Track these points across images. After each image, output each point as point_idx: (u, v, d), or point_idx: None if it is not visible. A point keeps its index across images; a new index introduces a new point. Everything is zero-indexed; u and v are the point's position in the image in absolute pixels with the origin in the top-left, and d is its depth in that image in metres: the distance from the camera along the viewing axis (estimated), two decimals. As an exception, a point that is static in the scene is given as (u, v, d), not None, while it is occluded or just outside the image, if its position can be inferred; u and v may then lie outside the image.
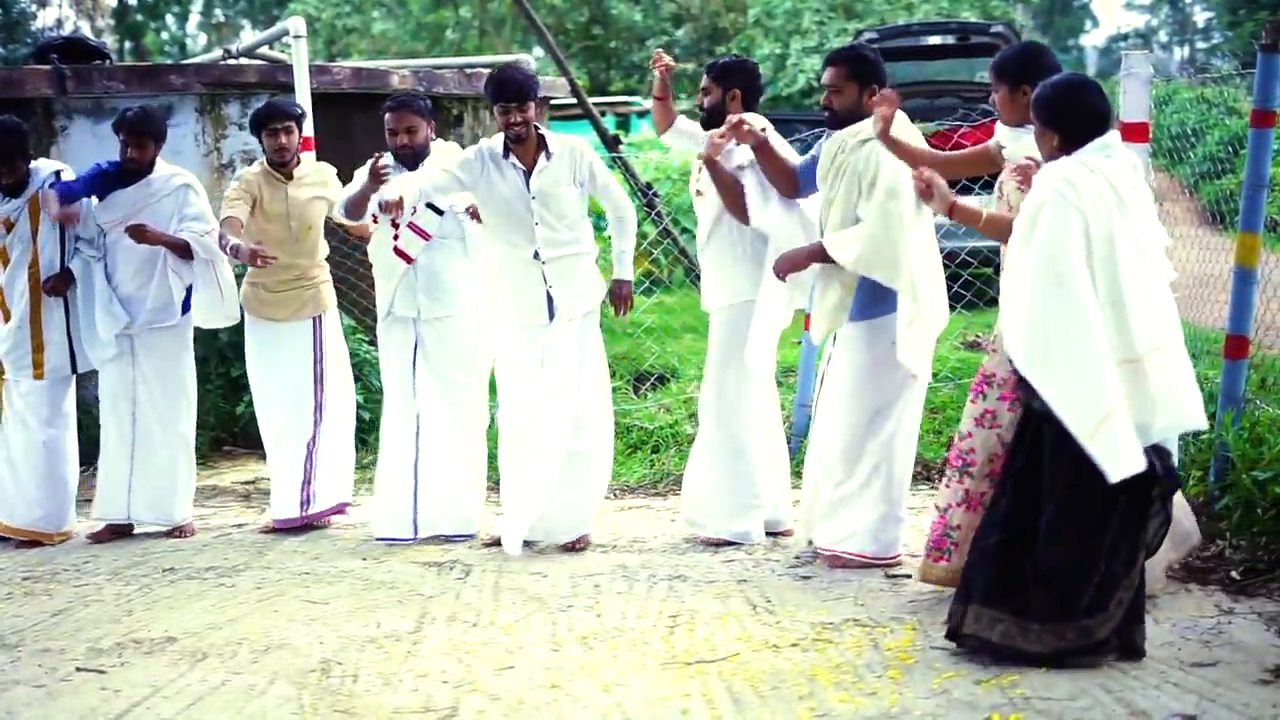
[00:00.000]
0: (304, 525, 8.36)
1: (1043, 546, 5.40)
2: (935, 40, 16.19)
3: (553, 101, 14.89)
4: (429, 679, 5.63)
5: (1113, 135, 5.47)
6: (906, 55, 16.44)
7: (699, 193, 7.52)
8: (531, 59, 13.58)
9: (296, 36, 9.68)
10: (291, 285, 8.32)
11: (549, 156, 7.50)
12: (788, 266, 6.95)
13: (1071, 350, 5.15)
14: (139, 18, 53.80)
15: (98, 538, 8.36)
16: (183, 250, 8.25)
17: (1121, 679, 5.25)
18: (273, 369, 8.37)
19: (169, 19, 56.21)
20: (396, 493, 7.99)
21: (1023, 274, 5.27)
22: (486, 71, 13.03)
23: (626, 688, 5.43)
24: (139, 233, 8.10)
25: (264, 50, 12.76)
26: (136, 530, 8.46)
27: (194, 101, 11.04)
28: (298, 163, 8.36)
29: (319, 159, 9.55)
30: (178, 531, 8.41)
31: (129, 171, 8.23)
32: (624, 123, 24.66)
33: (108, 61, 11.87)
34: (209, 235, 8.27)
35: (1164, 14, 66.05)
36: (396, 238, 7.87)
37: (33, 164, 8.39)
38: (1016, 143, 6.14)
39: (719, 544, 7.51)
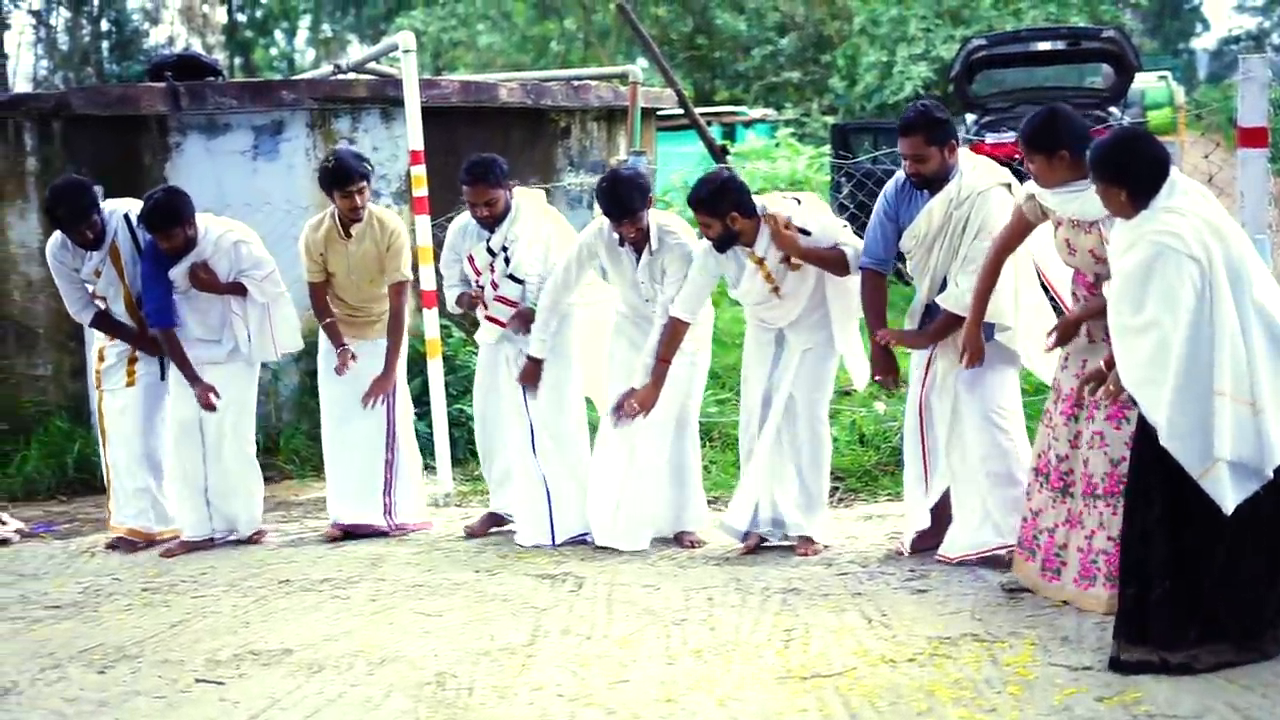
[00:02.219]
0: (383, 532, 8.65)
1: (1223, 575, 5.46)
2: (1045, 46, 15.98)
3: (659, 112, 14.89)
4: (544, 692, 5.63)
5: (1175, 173, 5.54)
6: (1016, 61, 16.28)
7: (777, 291, 7.62)
8: (638, 69, 13.57)
9: (406, 51, 9.72)
10: (357, 315, 8.68)
11: (651, 252, 7.88)
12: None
13: (1239, 397, 5.30)
14: (248, 34, 54.53)
15: (170, 553, 8.46)
16: (241, 292, 8.48)
17: (1247, 695, 5.16)
18: (346, 384, 8.68)
19: (278, 35, 56.93)
20: (534, 505, 8.32)
21: (1142, 332, 5.35)
22: (593, 84, 13.07)
23: (742, 702, 5.41)
24: (198, 278, 8.35)
25: (372, 65, 12.86)
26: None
27: (305, 116, 11.14)
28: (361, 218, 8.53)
29: (428, 173, 9.59)
30: (253, 538, 8.67)
31: (173, 253, 8.36)
32: (730, 132, 24.62)
33: (220, 78, 12.01)
34: (268, 279, 8.53)
35: (1277, 15, 65.05)
36: (485, 305, 8.27)
37: (104, 208, 8.51)
38: (1065, 204, 6.25)
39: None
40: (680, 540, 8.07)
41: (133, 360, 8.63)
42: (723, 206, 7.44)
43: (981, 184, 7.01)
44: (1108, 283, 5.82)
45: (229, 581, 7.68)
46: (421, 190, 9.53)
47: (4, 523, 9.36)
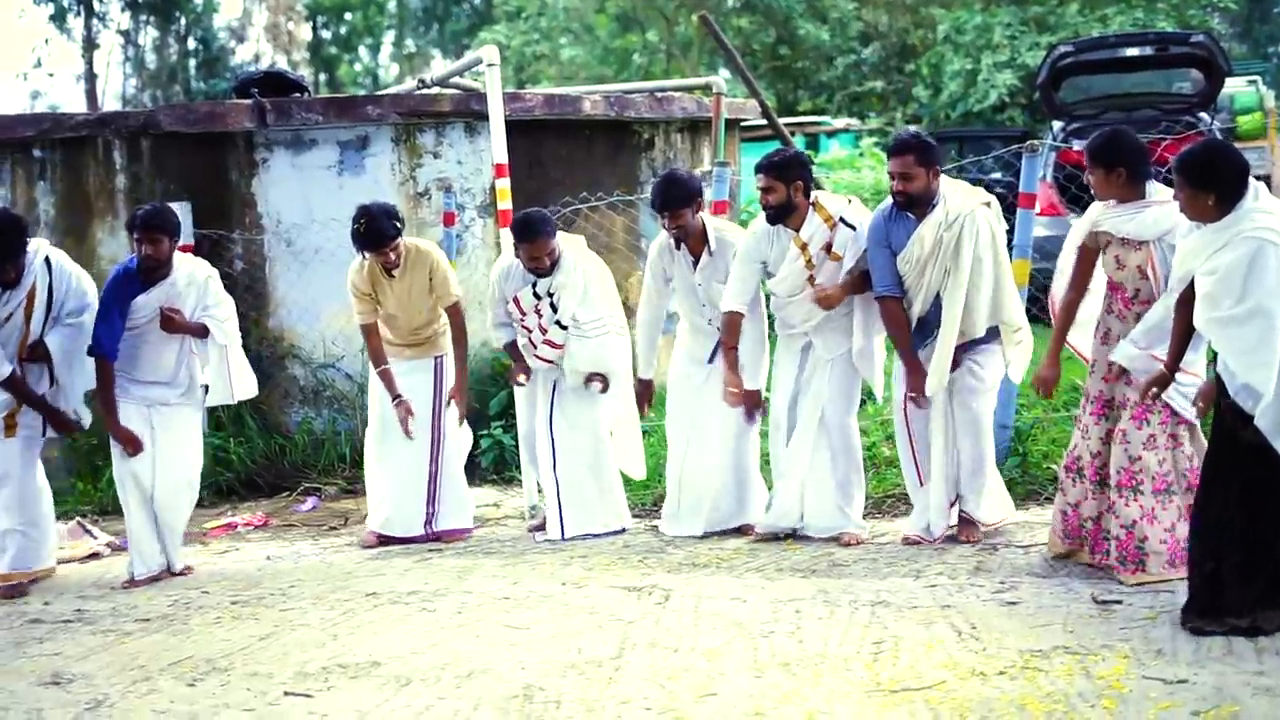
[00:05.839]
0: (425, 539, 8.89)
1: None
2: (1133, 52, 15.79)
3: (743, 123, 14.85)
4: (631, 706, 5.60)
5: (1252, 180, 5.98)
6: (1103, 68, 16.11)
7: (812, 280, 8.09)
8: (721, 80, 13.52)
9: (490, 65, 9.73)
10: (410, 339, 8.90)
11: (710, 253, 8.44)
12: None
13: None
14: (333, 50, 55.01)
15: (132, 585, 8.38)
16: (204, 334, 8.45)
17: (1349, 710, 5.06)
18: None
19: (362, 51, 57.38)
20: (549, 504, 8.85)
21: (1245, 320, 5.78)
22: (677, 95, 13.05)
23: (831, 716, 5.36)
24: (169, 322, 8.30)
25: (456, 79, 12.90)
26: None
27: (390, 131, 11.19)
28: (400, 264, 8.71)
29: (513, 186, 9.61)
30: (181, 572, 8.54)
31: (148, 269, 8.27)
32: (813, 142, 24.52)
33: (306, 94, 12.09)
34: (228, 321, 8.53)
35: (1369, 18, 64.10)
36: (536, 346, 8.73)
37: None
38: (1123, 224, 6.88)
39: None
40: (743, 530, 8.58)
41: (12, 413, 8.32)
42: (790, 174, 7.97)
43: (966, 207, 7.59)
44: (1177, 283, 6.30)
45: (316, 594, 7.71)
46: (506, 203, 9.55)
47: (94, 536, 9.46)
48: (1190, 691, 5.33)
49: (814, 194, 8.10)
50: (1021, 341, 7.90)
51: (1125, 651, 5.85)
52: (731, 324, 8.21)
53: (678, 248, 8.47)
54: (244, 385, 8.70)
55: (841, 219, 8.02)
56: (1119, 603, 6.53)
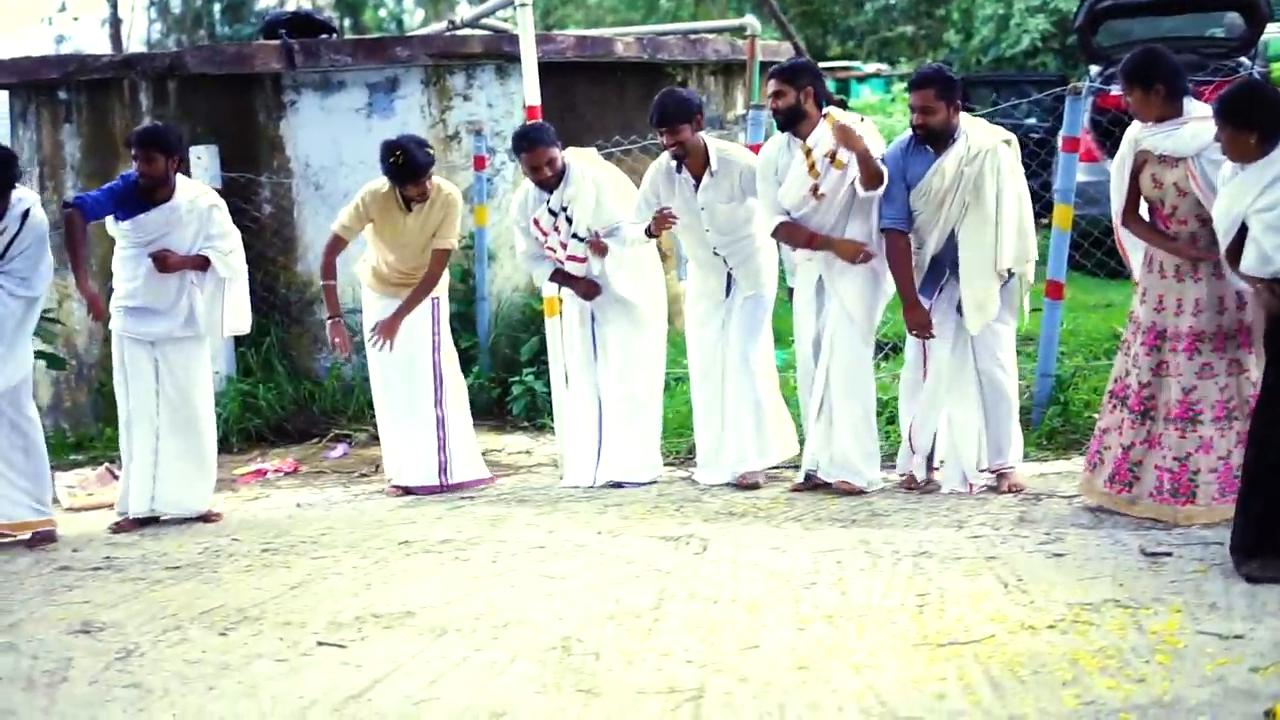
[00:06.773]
0: (442, 490, 8.80)
1: None
2: (1173, -5, 15.55)
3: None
4: (672, 658, 5.48)
5: None
6: (1142, 11, 15.87)
7: (817, 190, 7.87)
8: (755, 22, 13.35)
9: (521, 5, 9.57)
10: (403, 279, 8.72)
11: (711, 174, 8.26)
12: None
13: None
14: (358, -6, 54.67)
15: (120, 528, 8.33)
16: (204, 265, 8.28)
17: None
18: (395, 341, 8.71)
19: (388, -6, 57.06)
20: (584, 448, 8.80)
21: None
22: (710, 37, 12.88)
23: (878, 670, 5.22)
24: (163, 262, 8.15)
25: (486, 20, 12.75)
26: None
27: (419, 73, 11.06)
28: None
29: (544, 130, 9.46)
30: (204, 519, 8.44)
31: (146, 188, 8.12)
32: (844, 87, 24.33)
33: (334, 36, 11.95)
34: (233, 254, 8.35)
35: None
36: (564, 265, 8.65)
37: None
38: (1161, 141, 6.78)
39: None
40: (742, 481, 8.40)
41: None
42: (800, 80, 7.84)
43: (988, 142, 7.55)
44: (1226, 230, 6.23)
45: (349, 543, 7.61)
46: (538, 146, 9.40)
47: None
48: (1247, 646, 5.19)
49: (828, 108, 7.94)
50: (1025, 273, 7.81)
51: (1178, 605, 5.70)
52: (790, 230, 7.96)
53: (678, 170, 8.32)
54: (239, 321, 8.49)
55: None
56: (1169, 555, 6.39)
